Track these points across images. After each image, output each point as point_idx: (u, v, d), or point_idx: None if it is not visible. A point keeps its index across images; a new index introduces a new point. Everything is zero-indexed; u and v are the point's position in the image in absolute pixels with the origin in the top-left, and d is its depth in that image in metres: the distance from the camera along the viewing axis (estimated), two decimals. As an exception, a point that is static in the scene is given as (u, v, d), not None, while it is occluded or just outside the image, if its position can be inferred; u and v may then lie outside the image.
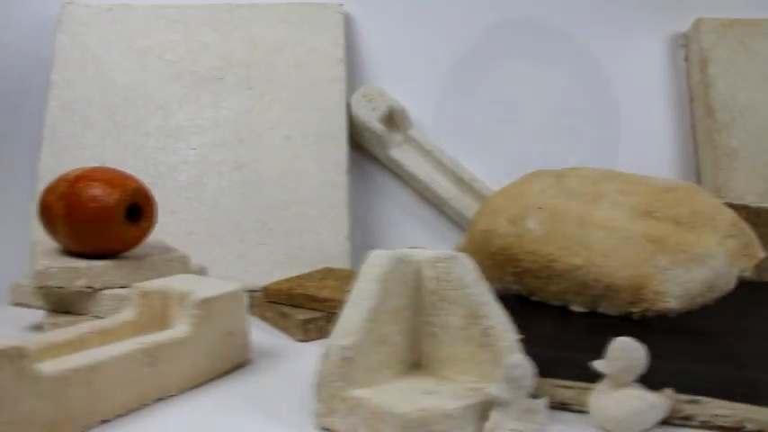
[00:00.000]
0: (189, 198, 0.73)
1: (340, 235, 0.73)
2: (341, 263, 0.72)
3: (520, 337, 0.42)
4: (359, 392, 0.39)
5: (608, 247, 0.58)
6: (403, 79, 0.84)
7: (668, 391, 0.40)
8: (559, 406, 0.43)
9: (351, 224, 0.75)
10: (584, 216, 0.60)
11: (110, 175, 0.56)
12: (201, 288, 0.50)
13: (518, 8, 0.86)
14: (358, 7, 0.83)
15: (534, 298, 0.62)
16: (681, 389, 0.41)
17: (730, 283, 0.57)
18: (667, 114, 0.88)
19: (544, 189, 0.64)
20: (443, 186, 0.80)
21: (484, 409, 0.38)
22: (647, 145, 0.87)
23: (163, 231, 0.72)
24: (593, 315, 0.59)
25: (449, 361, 0.43)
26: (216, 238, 0.72)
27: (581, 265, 0.58)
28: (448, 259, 0.43)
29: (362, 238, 0.80)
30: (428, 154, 0.81)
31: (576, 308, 0.60)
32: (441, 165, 0.81)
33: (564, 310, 0.60)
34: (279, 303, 0.61)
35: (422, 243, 0.80)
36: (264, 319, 0.62)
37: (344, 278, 0.65)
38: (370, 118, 0.77)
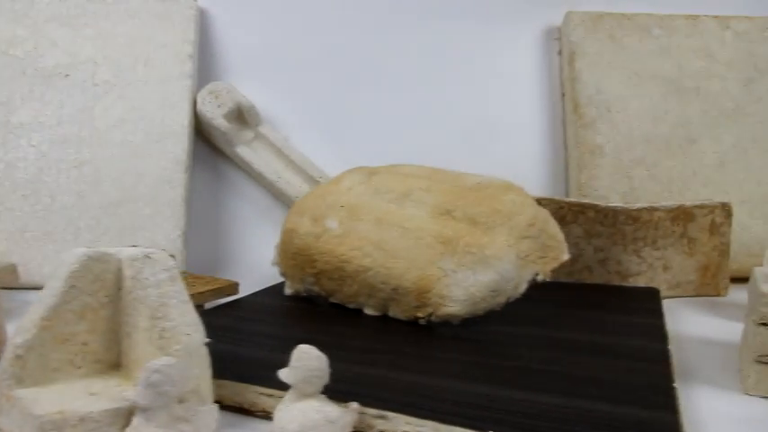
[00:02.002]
0: (25, 195, 0.73)
1: (173, 234, 0.72)
2: (172, 262, 0.71)
3: (207, 340, 0.41)
4: (20, 392, 0.38)
5: (400, 248, 0.56)
6: (260, 76, 0.82)
7: (353, 405, 0.38)
8: (262, 414, 0.41)
9: (186, 223, 0.73)
10: (383, 215, 0.58)
11: None
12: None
13: (380, 1, 0.84)
14: (215, 3, 0.82)
15: (333, 300, 0.60)
16: (403, 403, 0.39)
17: (520, 288, 0.54)
18: (540, 110, 0.85)
19: (352, 186, 0.62)
20: (291, 184, 0.78)
21: (132, 414, 0.37)
22: (518, 142, 0.84)
23: (-3, 229, 0.72)
24: (382, 319, 0.57)
25: (139, 362, 0.41)
26: (50, 236, 0.72)
27: (370, 266, 0.56)
28: (141, 258, 0.42)
29: (211, 236, 0.79)
30: (278, 151, 0.79)
31: (369, 311, 0.58)
32: (290, 162, 0.79)
33: (357, 314, 0.58)
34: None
35: (271, 241, 0.78)
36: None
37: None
38: (215, 115, 0.76)
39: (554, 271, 0.56)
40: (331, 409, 0.37)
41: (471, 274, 0.53)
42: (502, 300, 0.53)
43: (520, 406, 0.38)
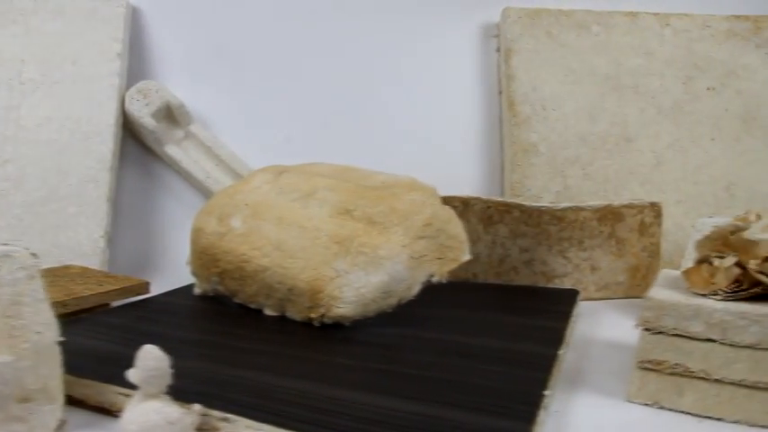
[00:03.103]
0: (-51, 194, 0.72)
1: (96, 233, 0.72)
2: (94, 261, 0.70)
3: (60, 339, 0.40)
4: None
5: (297, 248, 0.55)
6: (194, 74, 0.81)
7: (195, 406, 0.37)
8: (120, 415, 0.41)
9: (109, 222, 0.73)
10: (284, 215, 0.57)
11: None
12: None
13: (315, -1, 0.83)
14: (148, 1, 0.81)
15: (236, 300, 0.59)
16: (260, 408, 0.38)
17: (413, 289, 0.53)
18: (477, 109, 0.84)
19: (260, 185, 0.62)
20: (221, 183, 0.77)
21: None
22: (454, 141, 0.83)
23: None
24: (279, 320, 0.56)
25: (-7, 362, 0.41)
26: (-28, 235, 0.71)
27: (268, 266, 0.55)
28: (1, 257, 0.41)
29: (140, 235, 0.78)
30: (208, 150, 0.78)
31: (268, 311, 0.57)
32: (221, 161, 0.78)
33: (257, 314, 0.57)
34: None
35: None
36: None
37: (69, 276, 0.63)
38: (143, 114, 0.75)
39: (452, 272, 0.55)
40: (172, 411, 0.36)
41: (363, 274, 0.52)
42: (393, 301, 0.52)
43: (369, 411, 0.37)
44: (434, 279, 0.53)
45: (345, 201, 0.56)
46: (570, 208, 0.68)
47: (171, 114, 0.78)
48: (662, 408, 0.43)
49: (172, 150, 0.77)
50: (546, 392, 0.40)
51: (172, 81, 0.80)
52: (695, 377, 0.43)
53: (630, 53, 0.80)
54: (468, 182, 0.81)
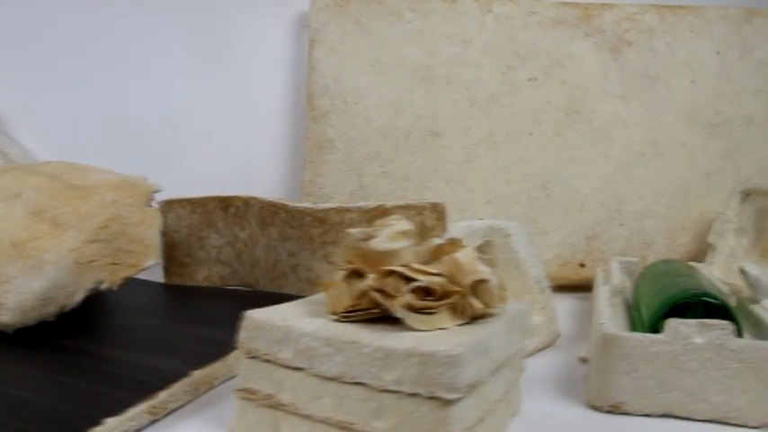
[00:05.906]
0: None
1: None
2: None
3: None
4: None
5: (-17, 251, 0.52)
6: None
7: None
8: None
9: None
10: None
11: None
12: None
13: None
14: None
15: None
16: None
17: (76, 296, 0.50)
18: (287, 104, 0.79)
19: (-16, 185, 0.59)
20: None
21: None
22: (261, 138, 0.79)
23: None
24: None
25: None
26: None
27: (-43, 269, 0.53)
28: None
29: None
30: (4, 156, 0.77)
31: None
32: (9, 160, 0.76)
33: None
34: None
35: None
36: None
37: None
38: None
39: (126, 278, 0.51)
40: None
41: (27, 280, 0.49)
42: (54, 309, 0.49)
43: None
44: (103, 286, 0.50)
45: (42, 201, 0.54)
46: (334, 209, 0.63)
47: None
48: (261, 443, 0.39)
49: (-37, 149, 0.76)
50: (108, 419, 0.37)
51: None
52: (288, 411, 0.38)
53: (446, 42, 0.74)
54: (272, 181, 0.77)
